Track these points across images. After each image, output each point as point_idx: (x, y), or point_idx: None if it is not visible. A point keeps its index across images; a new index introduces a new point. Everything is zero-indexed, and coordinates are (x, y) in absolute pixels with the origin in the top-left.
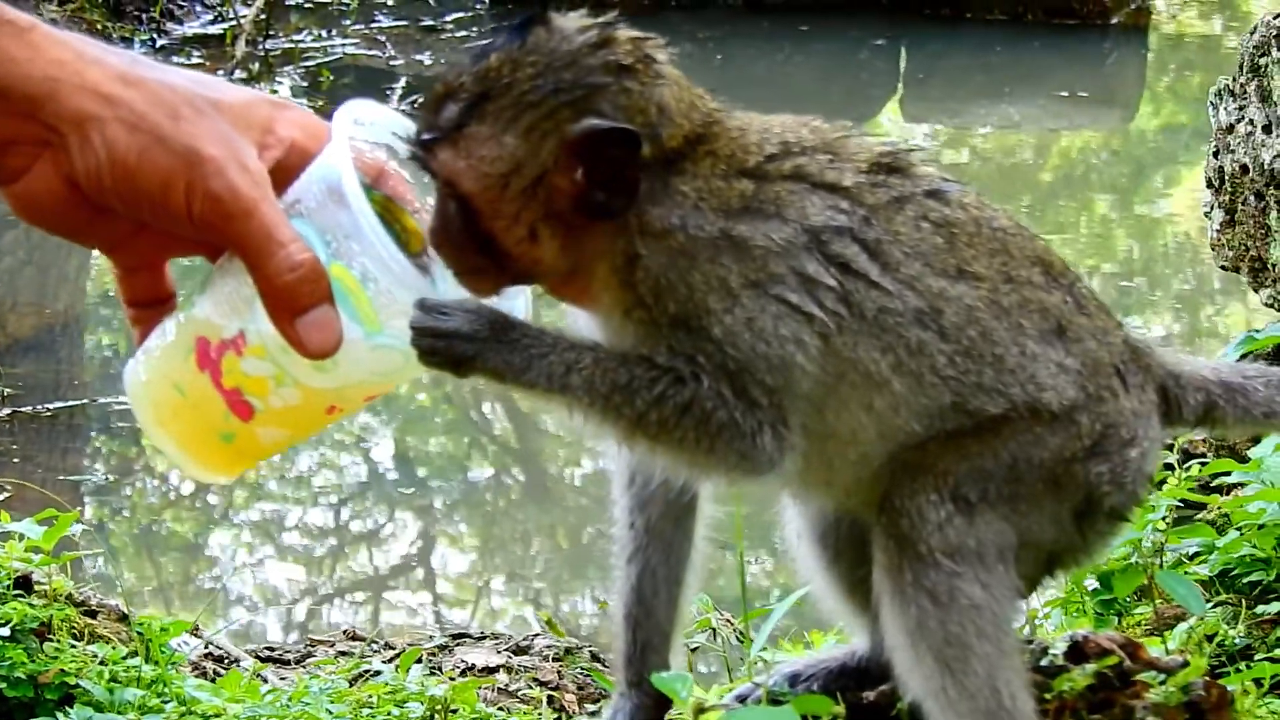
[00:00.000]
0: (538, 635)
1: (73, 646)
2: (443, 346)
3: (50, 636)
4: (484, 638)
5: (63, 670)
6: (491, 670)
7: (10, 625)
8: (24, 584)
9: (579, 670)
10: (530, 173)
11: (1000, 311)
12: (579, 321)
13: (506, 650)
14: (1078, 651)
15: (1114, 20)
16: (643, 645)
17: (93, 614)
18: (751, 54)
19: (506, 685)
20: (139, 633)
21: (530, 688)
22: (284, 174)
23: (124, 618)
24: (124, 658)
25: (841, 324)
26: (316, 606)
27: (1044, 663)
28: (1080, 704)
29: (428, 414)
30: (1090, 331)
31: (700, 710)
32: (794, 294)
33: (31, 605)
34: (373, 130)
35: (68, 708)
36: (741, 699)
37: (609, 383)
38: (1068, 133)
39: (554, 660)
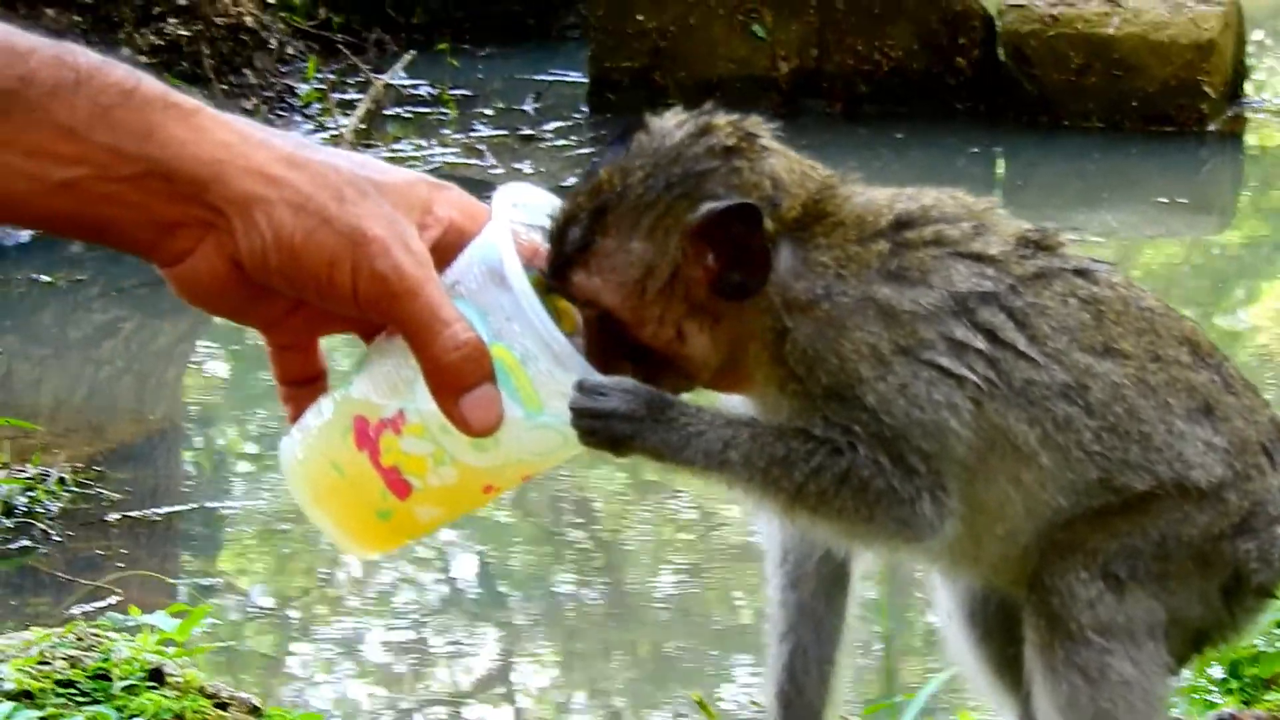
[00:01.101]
0: None
1: None
2: (601, 427)
3: None
4: None
5: None
6: None
7: (145, 717)
8: (156, 676)
9: None
10: (664, 272)
11: (1147, 390)
12: (733, 400)
13: None
14: None
15: (1211, 128)
16: None
17: (224, 706)
18: (850, 162)
19: None
20: None
21: None
22: (442, 253)
23: (255, 710)
24: None
25: (994, 390)
26: None
27: None
28: None
29: (507, 529)
30: (1238, 410)
31: None
32: (945, 358)
33: (165, 697)
34: (528, 212)
35: None
36: None
37: (766, 457)
38: (1163, 241)
39: None
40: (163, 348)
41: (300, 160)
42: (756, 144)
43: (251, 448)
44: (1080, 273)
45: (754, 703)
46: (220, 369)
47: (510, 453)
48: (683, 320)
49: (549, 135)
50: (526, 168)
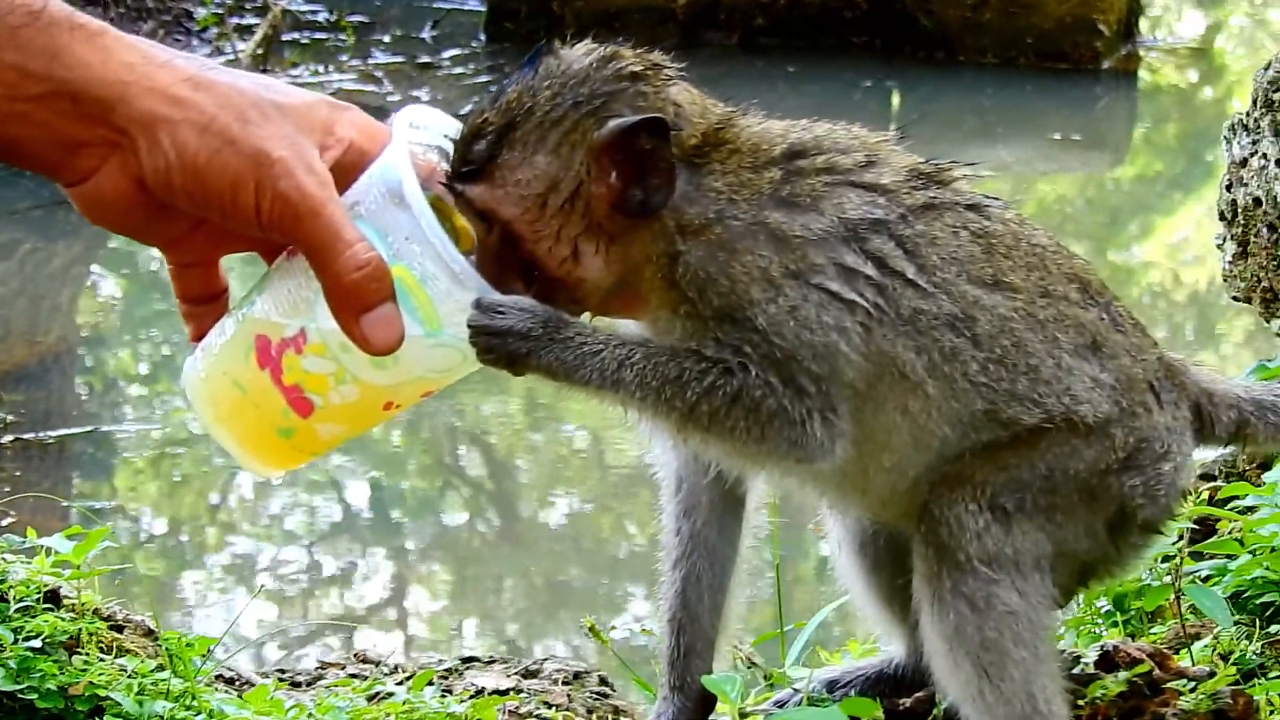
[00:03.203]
0: (547, 659)
1: (101, 660)
2: (498, 344)
3: (79, 649)
4: (493, 661)
5: (92, 683)
6: (502, 693)
7: (41, 638)
8: (53, 598)
9: (589, 694)
10: (566, 187)
11: (1035, 324)
12: (628, 325)
13: (516, 674)
14: (1108, 661)
15: (1105, 65)
16: (686, 650)
17: (119, 628)
18: (745, 95)
19: (517, 708)
20: (166, 648)
21: (540, 710)
22: (342, 173)
23: (150, 633)
24: (152, 671)
25: (882, 316)
26: (287, 647)
27: (1076, 671)
28: (1112, 711)
29: (400, 456)
30: (1125, 348)
31: (742, 715)
32: (835, 283)
33: (61, 619)
34: (427, 134)
35: (97, 719)
36: (781, 705)
37: (660, 376)
38: (1058, 176)
39: (564, 684)
40: (57, 270)
41: (204, 81)
42: (661, 73)
43: (145, 370)
44: (972, 207)
45: (646, 630)
46: (114, 292)
47: (410, 370)
48: (579, 238)
49: (446, 63)
50: (424, 95)
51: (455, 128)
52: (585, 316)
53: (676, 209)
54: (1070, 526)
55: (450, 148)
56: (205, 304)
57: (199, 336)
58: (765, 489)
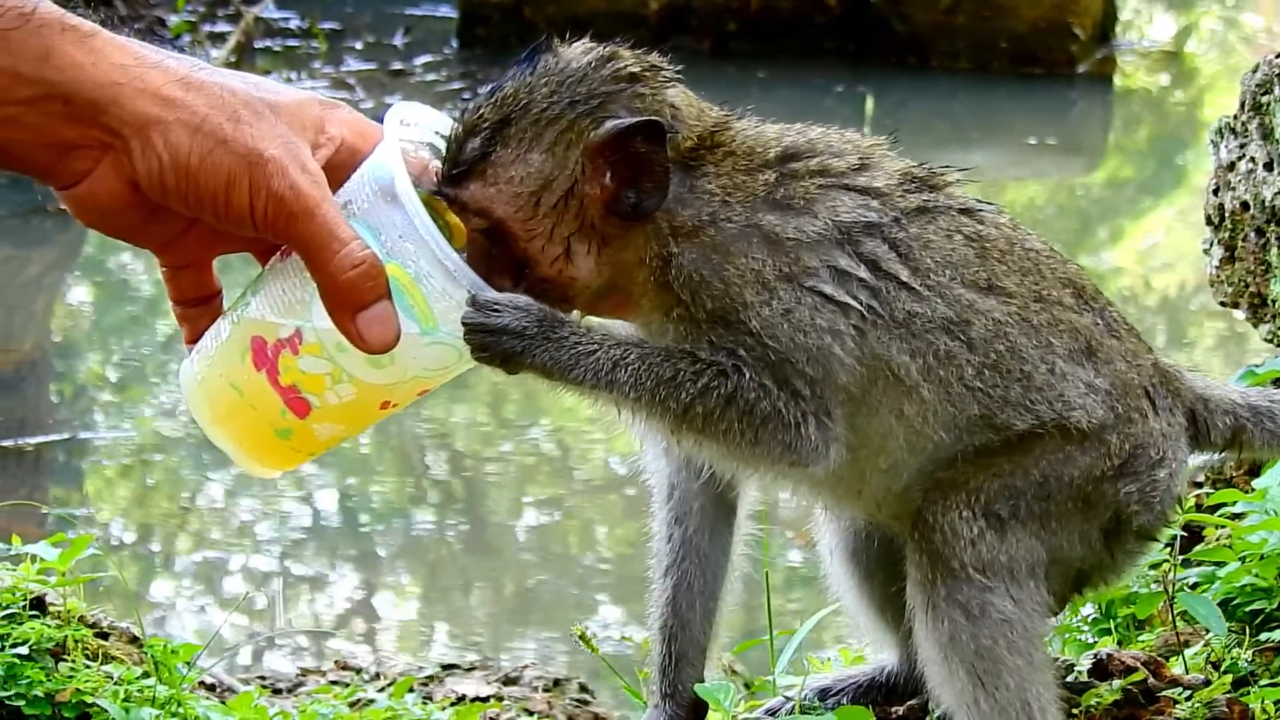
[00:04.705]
0: (527, 666)
1: (87, 666)
2: (493, 342)
3: (65, 657)
4: (474, 668)
5: (79, 689)
6: (483, 700)
7: (27, 645)
8: (38, 605)
9: (569, 701)
10: (560, 186)
11: (1030, 329)
12: (622, 327)
13: (496, 681)
14: (1102, 669)
15: (1080, 69)
16: (677, 657)
17: (104, 635)
18: (717, 99)
19: (498, 716)
20: (151, 655)
21: (520, 717)
22: (334, 172)
23: (135, 640)
24: (138, 678)
25: (876, 319)
26: (259, 653)
27: (1069, 679)
28: (1106, 719)
29: (369, 462)
30: (1120, 354)
31: None
32: (828, 286)
33: (47, 625)
34: (418, 131)
35: None
36: (772, 713)
37: (654, 377)
38: (1030, 181)
39: (544, 691)
40: (31, 278)
41: (196, 82)
42: (659, 74)
43: (118, 377)
44: (965, 211)
45: (626, 637)
46: (87, 299)
47: (407, 369)
48: (572, 238)
49: (418, 70)
50: (396, 101)
51: (447, 125)
52: (576, 315)
53: (670, 211)
54: (1065, 533)
55: (442, 145)
56: (199, 306)
57: (194, 339)
58: (757, 495)
